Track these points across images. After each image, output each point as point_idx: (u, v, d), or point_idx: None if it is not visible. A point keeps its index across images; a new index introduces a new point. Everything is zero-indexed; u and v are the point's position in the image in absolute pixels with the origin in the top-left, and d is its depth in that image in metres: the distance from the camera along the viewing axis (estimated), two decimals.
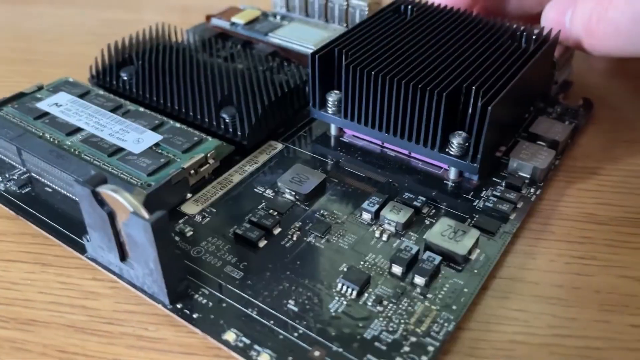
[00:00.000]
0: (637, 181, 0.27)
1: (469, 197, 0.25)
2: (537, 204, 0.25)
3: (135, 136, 0.26)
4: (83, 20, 0.44)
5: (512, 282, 0.22)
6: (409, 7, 0.31)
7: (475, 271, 0.21)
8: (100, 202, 0.19)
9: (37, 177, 0.26)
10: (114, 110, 0.28)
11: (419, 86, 0.24)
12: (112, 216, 0.19)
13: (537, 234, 0.24)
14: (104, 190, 0.19)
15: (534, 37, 0.28)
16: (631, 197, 0.26)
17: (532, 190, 0.25)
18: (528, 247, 0.23)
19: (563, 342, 0.20)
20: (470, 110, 0.24)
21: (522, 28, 0.29)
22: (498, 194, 0.25)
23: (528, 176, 0.26)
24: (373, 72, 0.25)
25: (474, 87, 0.24)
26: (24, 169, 0.26)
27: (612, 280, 0.22)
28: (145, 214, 0.18)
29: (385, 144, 0.28)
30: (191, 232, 0.23)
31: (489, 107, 0.23)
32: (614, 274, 0.22)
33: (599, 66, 0.36)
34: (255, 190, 0.25)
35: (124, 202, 0.19)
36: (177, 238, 0.23)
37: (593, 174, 0.27)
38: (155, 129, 0.27)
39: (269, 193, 0.25)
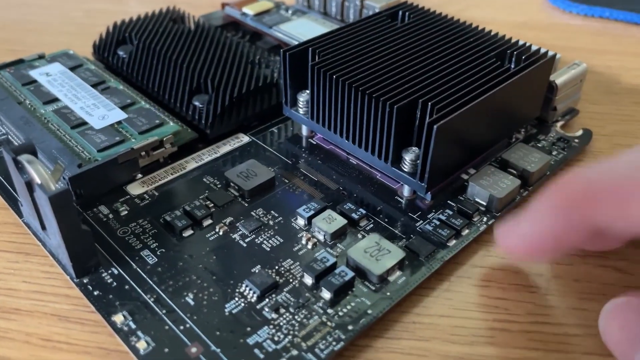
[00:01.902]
0: None
1: (414, 216, 0.24)
2: (487, 233, 0.24)
3: (102, 112, 0.27)
4: (67, 10, 0.44)
5: (493, 271, 0.22)
6: (407, 13, 0.30)
7: (388, 294, 0.21)
8: (21, 170, 0.20)
9: (12, 139, 0.27)
10: (95, 85, 0.29)
11: (374, 96, 0.23)
12: (30, 186, 0.20)
13: None
14: (22, 160, 0.20)
15: (523, 57, 0.26)
16: None
17: (485, 219, 0.24)
18: None
19: (542, 329, 0.20)
20: (423, 127, 0.23)
21: (514, 47, 0.27)
22: (443, 218, 0.23)
23: (484, 203, 0.24)
24: (335, 76, 0.25)
25: (429, 103, 0.23)
26: (4, 131, 0.28)
27: (591, 270, 0.22)
28: (52, 188, 0.19)
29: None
30: (126, 212, 0.24)
31: (435, 126, 0.22)
32: (593, 264, 0.23)
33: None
34: (204, 180, 0.26)
35: (33, 173, 0.19)
36: (110, 216, 0.24)
37: (574, 167, 0.27)
38: (124, 107, 0.28)
39: (216, 184, 0.25)
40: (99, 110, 0.27)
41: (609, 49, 0.38)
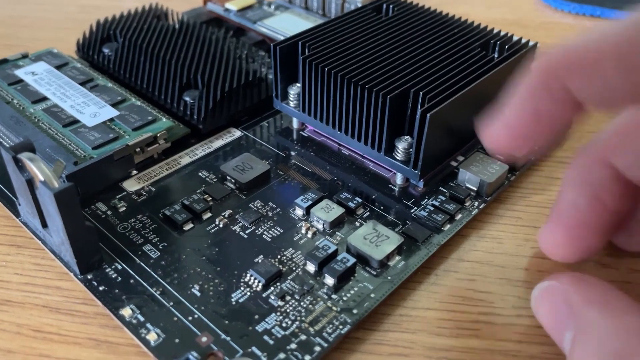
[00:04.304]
0: None
1: (409, 203, 0.25)
2: (485, 211, 0.25)
3: (94, 110, 0.27)
4: (61, 5, 0.44)
5: (479, 266, 0.23)
6: (391, 6, 0.30)
7: (389, 278, 0.21)
8: (21, 168, 0.20)
9: (1, 139, 0.27)
10: (83, 83, 0.29)
11: (367, 87, 0.24)
12: (31, 183, 0.20)
13: (505, 220, 0.25)
14: (22, 157, 0.20)
15: (506, 46, 0.27)
16: None
17: (476, 203, 0.25)
18: (496, 232, 0.24)
19: (526, 322, 0.21)
20: (416, 116, 0.24)
21: (497, 37, 0.28)
22: (437, 204, 0.24)
23: (475, 189, 0.25)
24: (327, 69, 0.25)
25: (421, 93, 0.23)
26: None
27: (576, 265, 0.22)
28: (55, 185, 0.19)
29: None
30: (124, 208, 0.24)
31: (428, 115, 0.22)
32: None
33: None
34: (200, 174, 0.26)
35: (36, 170, 0.19)
36: (109, 212, 0.24)
37: (562, 162, 0.28)
38: (115, 104, 0.28)
39: (212, 178, 0.26)
40: (90, 108, 0.27)
41: None
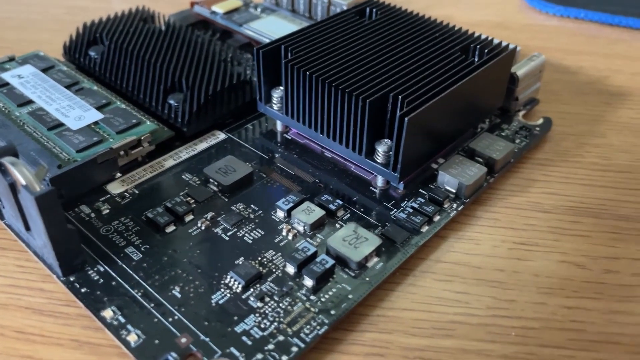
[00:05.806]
0: (583, 172, 0.28)
1: (389, 205, 0.25)
2: (463, 212, 0.25)
3: (78, 113, 0.27)
4: (48, 7, 0.43)
5: (456, 266, 0.23)
6: (374, 9, 0.31)
7: (367, 279, 0.22)
8: (4, 172, 0.20)
9: None
10: (69, 86, 0.29)
11: (347, 91, 0.24)
12: (14, 187, 0.20)
13: (483, 221, 0.25)
14: (5, 162, 0.20)
15: (486, 50, 0.28)
16: (576, 187, 0.27)
17: (455, 205, 0.25)
18: (474, 234, 0.25)
19: (501, 323, 0.21)
20: (395, 120, 0.24)
21: (477, 41, 0.28)
22: (415, 206, 0.25)
23: (454, 191, 0.25)
24: (308, 73, 0.25)
25: (400, 97, 0.24)
26: None
27: (552, 265, 0.23)
28: (37, 189, 0.19)
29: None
30: (107, 211, 0.24)
31: (406, 118, 0.23)
32: (553, 259, 0.24)
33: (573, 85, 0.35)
34: (183, 177, 0.26)
35: (18, 175, 0.19)
36: (92, 215, 0.24)
37: (541, 165, 0.29)
38: (100, 108, 0.28)
39: (195, 181, 0.26)
40: (75, 111, 0.27)
41: (582, 49, 0.39)
